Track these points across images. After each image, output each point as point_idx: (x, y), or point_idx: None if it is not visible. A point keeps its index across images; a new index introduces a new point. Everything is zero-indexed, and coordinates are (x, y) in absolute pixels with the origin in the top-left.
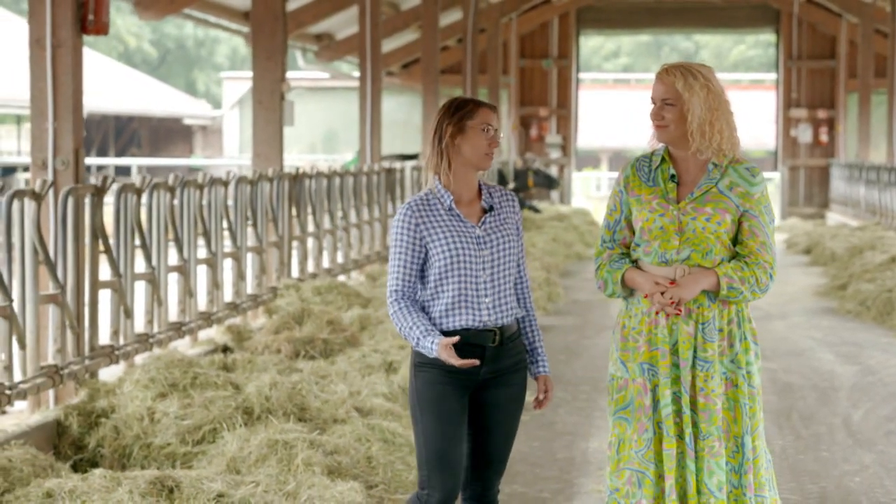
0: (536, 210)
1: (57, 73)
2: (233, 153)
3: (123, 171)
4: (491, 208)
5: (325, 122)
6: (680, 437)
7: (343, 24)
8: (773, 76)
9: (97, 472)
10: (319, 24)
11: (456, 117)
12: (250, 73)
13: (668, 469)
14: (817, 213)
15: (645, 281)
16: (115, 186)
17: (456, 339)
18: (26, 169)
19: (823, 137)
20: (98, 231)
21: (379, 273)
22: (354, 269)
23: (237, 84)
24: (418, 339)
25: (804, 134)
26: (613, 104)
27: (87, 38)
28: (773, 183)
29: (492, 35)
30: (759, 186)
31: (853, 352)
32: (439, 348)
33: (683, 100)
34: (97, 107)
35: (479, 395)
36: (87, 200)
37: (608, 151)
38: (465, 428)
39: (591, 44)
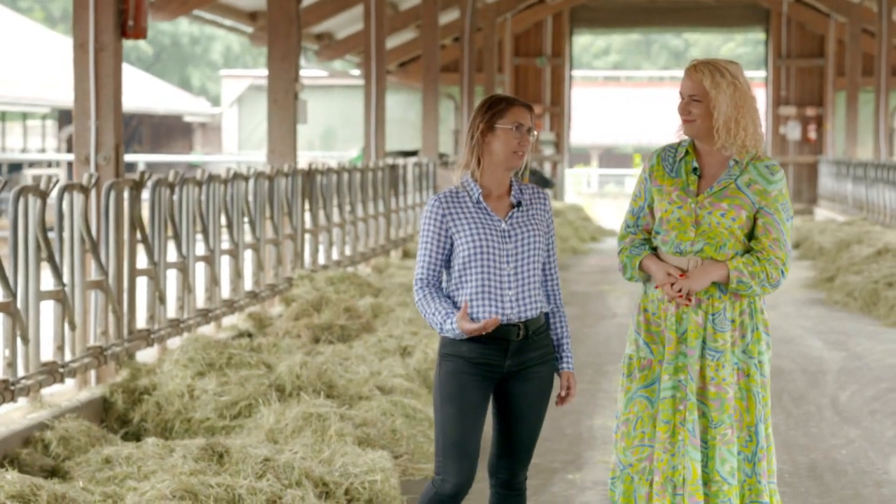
0: None
1: (99, 75)
2: (232, 150)
3: (127, 167)
4: (519, 204)
5: (323, 119)
6: (682, 423)
7: (343, 23)
8: (762, 74)
9: (150, 440)
10: (321, 23)
11: (487, 116)
12: (249, 71)
13: (657, 452)
14: (806, 209)
15: (658, 270)
16: (150, 181)
17: (465, 305)
18: (31, 165)
19: (812, 135)
20: (136, 222)
21: (385, 265)
22: (362, 262)
23: (236, 82)
24: (441, 324)
25: (793, 131)
26: (604, 101)
27: None
28: None
29: (488, 34)
30: (776, 185)
31: (840, 339)
32: (458, 322)
33: (710, 97)
34: None
35: (505, 387)
36: (126, 194)
37: (598, 148)
38: (484, 418)
39: (582, 41)
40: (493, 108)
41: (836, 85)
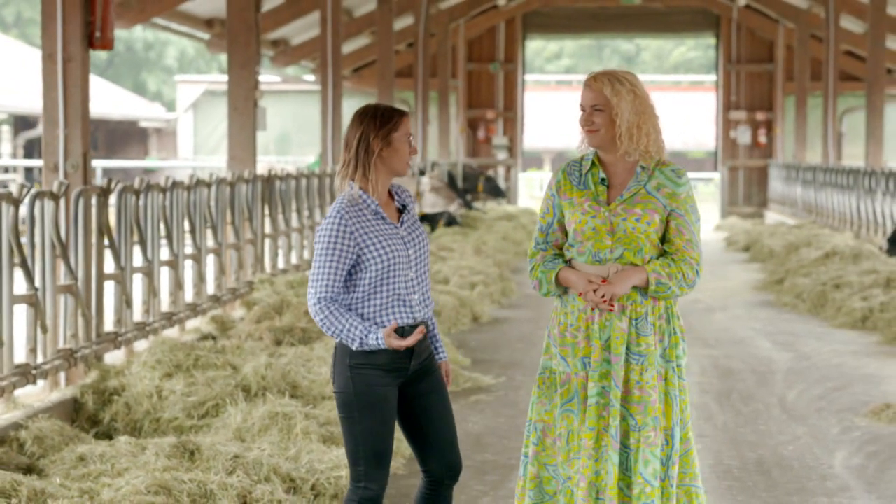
0: (479, 210)
1: (67, 85)
2: (187, 155)
3: None
4: (404, 207)
5: (277, 124)
6: (605, 429)
7: (298, 30)
8: (712, 77)
9: (122, 438)
10: (276, 30)
11: (384, 131)
12: (204, 77)
13: (582, 458)
14: (756, 213)
15: (578, 279)
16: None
17: (394, 324)
18: None
19: (762, 139)
20: (104, 228)
21: None
22: None
23: (191, 87)
24: (361, 338)
25: (743, 135)
26: (556, 106)
27: (35, 40)
28: (713, 183)
29: (441, 40)
30: (684, 187)
31: (789, 340)
32: (385, 339)
33: (612, 105)
34: None
35: (411, 388)
36: (94, 200)
37: (551, 152)
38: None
39: (534, 46)
40: (388, 121)
41: (786, 90)
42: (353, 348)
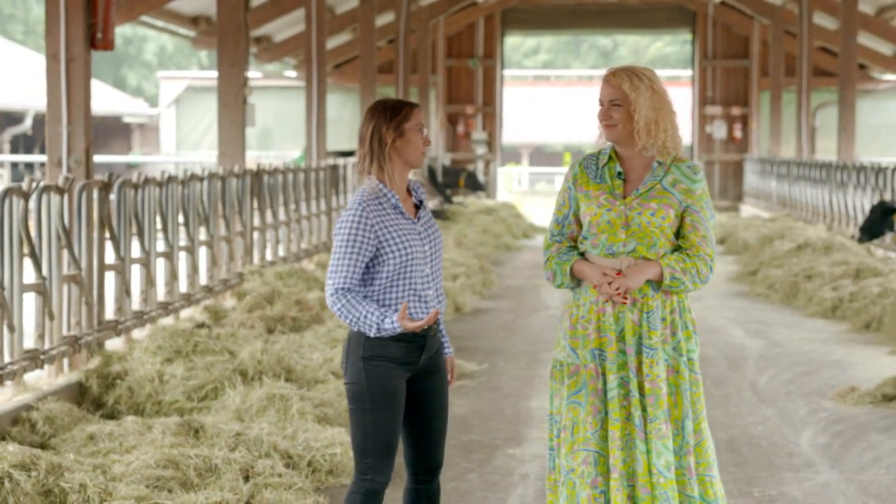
0: (458, 204)
1: (70, 84)
2: (170, 150)
3: None
4: (421, 202)
5: (259, 120)
6: (627, 419)
7: (281, 27)
8: (688, 73)
9: (129, 418)
10: (260, 27)
11: (395, 122)
12: (186, 73)
13: (612, 449)
14: (732, 206)
15: (593, 272)
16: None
17: (405, 304)
18: None
19: (737, 133)
20: (105, 221)
21: (327, 261)
22: (305, 258)
23: (173, 83)
24: (378, 324)
25: (719, 130)
26: (533, 101)
27: (16, 36)
28: None
29: (421, 36)
30: (700, 184)
31: (761, 328)
32: (399, 320)
33: (630, 100)
34: (41, 105)
35: (416, 384)
36: (96, 194)
37: (529, 147)
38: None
39: (512, 41)
40: (399, 113)
41: (761, 85)
42: (371, 335)
